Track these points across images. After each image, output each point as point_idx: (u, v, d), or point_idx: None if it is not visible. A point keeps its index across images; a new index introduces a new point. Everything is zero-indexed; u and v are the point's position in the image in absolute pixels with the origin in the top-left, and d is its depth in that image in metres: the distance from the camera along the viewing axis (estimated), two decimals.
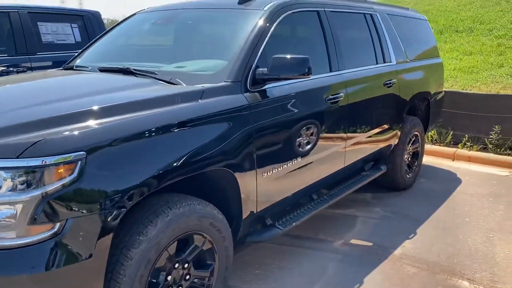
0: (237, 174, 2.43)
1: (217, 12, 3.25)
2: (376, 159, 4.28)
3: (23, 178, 1.70)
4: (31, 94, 2.45)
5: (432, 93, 5.00)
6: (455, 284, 3.00)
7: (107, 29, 3.72)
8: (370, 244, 3.57)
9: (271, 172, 2.70)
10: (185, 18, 3.31)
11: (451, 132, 6.34)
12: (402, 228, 3.86)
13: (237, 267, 3.10)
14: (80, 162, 1.77)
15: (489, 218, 4.09)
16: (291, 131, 2.83)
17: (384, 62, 4.11)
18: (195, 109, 2.26)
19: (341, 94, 3.28)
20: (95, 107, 2.04)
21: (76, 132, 1.84)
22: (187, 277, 2.29)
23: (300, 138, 2.91)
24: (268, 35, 2.80)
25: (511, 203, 4.46)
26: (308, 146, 3.00)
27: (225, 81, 2.51)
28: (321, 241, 3.59)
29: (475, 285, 2.98)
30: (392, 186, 4.68)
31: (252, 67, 2.62)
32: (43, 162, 1.70)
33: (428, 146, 6.34)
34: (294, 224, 3.02)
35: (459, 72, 9.19)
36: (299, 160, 2.94)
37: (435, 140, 6.48)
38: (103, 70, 2.90)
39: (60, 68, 3.32)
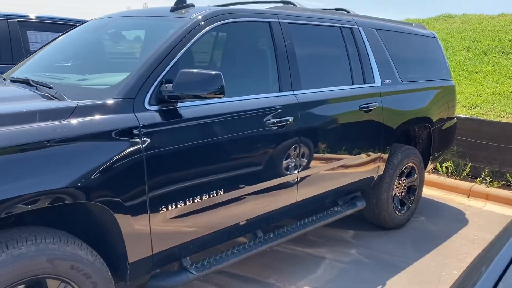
0: (116, 212, 2.04)
1: (149, 20, 2.92)
2: (352, 192, 3.73)
3: None
4: None
5: (434, 119, 4.36)
6: None
7: (50, 40, 3.49)
8: None
9: (175, 208, 2.28)
10: (118, 27, 3.01)
11: (469, 165, 5.59)
12: (371, 277, 3.28)
13: None
14: None
15: None
16: (208, 159, 2.41)
17: (364, 82, 3.58)
18: (55, 128, 1.90)
19: (289, 118, 2.81)
20: None
21: None
22: None
23: (224, 167, 2.48)
24: (187, 47, 2.42)
25: None
26: (237, 177, 2.56)
27: (112, 98, 2.14)
28: (268, 286, 3.10)
29: None
30: (377, 224, 4.09)
31: (155, 83, 2.24)
32: None
33: (442, 179, 5.63)
34: (213, 268, 2.57)
35: (498, 97, 8.33)
36: (221, 193, 2.50)
37: (451, 172, 5.74)
38: (13, 81, 2.64)
39: None
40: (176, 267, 2.57)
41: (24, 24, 5.25)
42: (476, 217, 4.58)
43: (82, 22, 5.73)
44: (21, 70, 2.98)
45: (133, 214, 2.11)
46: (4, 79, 2.82)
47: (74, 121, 1.97)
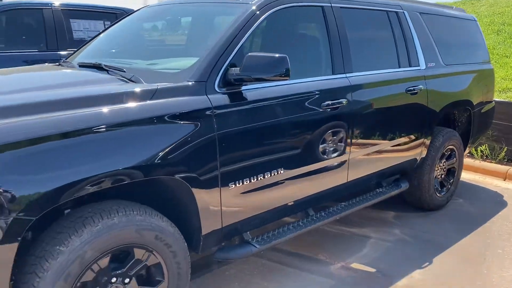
0: (193, 187, 2.19)
1: (208, 6, 3.03)
2: (396, 174, 3.82)
3: None
4: None
5: (475, 103, 4.39)
6: None
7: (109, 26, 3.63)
8: (373, 270, 3.15)
9: (240, 184, 2.42)
10: (175, 14, 3.13)
11: (505, 148, 5.60)
12: (417, 255, 3.39)
13: (219, 282, 2.88)
14: None
15: None
16: (271, 139, 2.53)
17: (410, 66, 3.64)
18: (140, 109, 2.04)
19: (343, 100, 2.91)
20: (35, 101, 1.91)
21: None
22: None
23: (284, 147, 2.60)
24: (250, 31, 2.53)
25: None
26: (295, 157, 2.68)
27: (187, 81, 2.27)
28: (318, 262, 3.23)
29: None
30: (418, 205, 4.17)
31: (224, 66, 2.37)
32: None
33: (477, 163, 5.66)
34: (273, 242, 2.71)
35: None
36: (282, 172, 2.62)
37: (486, 156, 5.76)
38: (81, 65, 2.79)
39: (56, 64, 3.28)
40: (238, 241, 2.72)
41: (67, 12, 5.42)
42: None
43: (124, 10, 5.91)
44: (85, 56, 3.14)
45: (207, 188, 2.25)
46: (70, 64, 2.97)
47: (156, 102, 2.11)
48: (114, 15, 5.83)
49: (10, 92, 2.12)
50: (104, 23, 5.75)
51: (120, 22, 3.47)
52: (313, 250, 3.37)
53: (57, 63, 3.28)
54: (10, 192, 1.66)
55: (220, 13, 2.89)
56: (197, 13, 3.10)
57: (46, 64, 3.23)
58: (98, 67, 2.62)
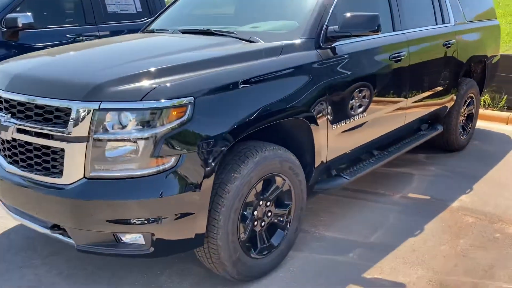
0: (312, 125, 2.67)
1: None
2: (432, 119, 4.40)
3: (145, 118, 2.00)
4: (132, 51, 2.76)
5: (488, 55, 5.00)
6: (510, 232, 3.17)
7: None
8: (428, 197, 3.75)
9: (340, 125, 2.92)
10: None
11: (505, 97, 6.29)
12: (458, 184, 4.01)
13: (305, 214, 3.39)
14: (189, 106, 2.05)
15: None
16: (358, 87, 3.01)
17: (443, 22, 4.17)
18: (277, 63, 2.49)
19: (404, 52, 3.42)
20: (195, 60, 2.31)
21: (184, 81, 2.12)
22: (269, 214, 2.57)
23: (366, 94, 3.10)
24: None
25: None
26: (373, 103, 3.19)
27: (300, 38, 2.72)
28: (380, 195, 3.80)
29: None
30: (446, 147, 4.78)
31: (324, 25, 2.81)
32: (162, 105, 1.99)
33: (480, 111, 6.33)
34: (358, 175, 3.24)
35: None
36: (365, 115, 3.13)
37: (488, 104, 6.45)
38: (184, 32, 3.16)
39: (142, 32, 3.61)
40: (326, 176, 3.23)
41: None
42: None
43: None
44: (162, 24, 3.48)
45: (320, 126, 2.74)
46: (169, 32, 3.29)
47: (285, 56, 2.56)
48: None
49: (159, 56, 2.50)
50: None
51: None
52: (372, 187, 3.93)
53: (148, 31, 3.54)
54: (212, 131, 2.11)
55: None
56: None
57: (139, 33, 3.53)
58: (205, 33, 3.01)
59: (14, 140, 2.31)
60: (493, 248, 2.98)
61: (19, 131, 2.25)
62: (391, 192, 3.85)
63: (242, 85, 2.27)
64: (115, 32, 5.59)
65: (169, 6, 3.83)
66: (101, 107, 2.00)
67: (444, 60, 4.09)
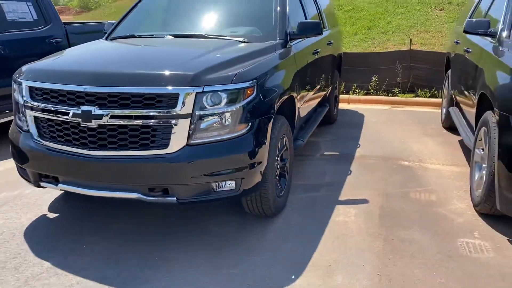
0: (296, 98, 3.78)
1: None
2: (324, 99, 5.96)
3: (233, 96, 2.80)
4: (181, 50, 3.49)
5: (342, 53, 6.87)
6: (400, 164, 4.85)
7: (135, 3, 4.47)
8: (338, 152, 5.23)
9: (303, 98, 4.09)
10: None
11: (343, 84, 8.41)
12: (350, 143, 5.62)
13: None
14: (255, 86, 2.93)
15: (395, 132, 6.12)
16: (308, 71, 4.24)
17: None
18: (280, 55, 3.53)
19: (319, 50, 4.79)
20: (240, 55, 3.18)
21: (247, 69, 2.98)
22: (278, 166, 3.56)
23: (310, 75, 4.35)
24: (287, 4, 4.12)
25: (401, 122, 6.62)
26: (313, 82, 4.46)
27: (278, 39, 3.78)
28: (308, 155, 5.10)
29: (412, 163, 4.87)
30: (329, 120, 6.43)
31: (288, 30, 3.93)
32: (243, 85, 2.83)
33: None
34: (307, 137, 4.46)
35: None
36: (313, 89, 4.38)
37: None
38: (176, 36, 3.85)
39: (111, 39, 4.06)
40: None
41: None
42: (365, 112, 7.38)
43: None
44: (129, 30, 4.07)
45: (297, 98, 3.87)
46: (137, 36, 3.91)
47: (282, 50, 3.61)
48: None
49: (208, 53, 3.25)
50: (26, 3, 5.89)
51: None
52: (299, 151, 5.21)
53: (128, 36, 4.01)
54: (266, 103, 3.04)
55: None
56: None
57: (137, 38, 3.99)
58: (198, 36, 3.78)
59: (101, 126, 2.75)
60: (399, 173, 4.57)
61: (113, 117, 2.72)
62: (313, 153, 5.20)
63: (273, 71, 3.23)
64: (17, 41, 5.56)
65: (126, 15, 4.34)
66: (204, 89, 2.72)
67: (328, 55, 5.66)
